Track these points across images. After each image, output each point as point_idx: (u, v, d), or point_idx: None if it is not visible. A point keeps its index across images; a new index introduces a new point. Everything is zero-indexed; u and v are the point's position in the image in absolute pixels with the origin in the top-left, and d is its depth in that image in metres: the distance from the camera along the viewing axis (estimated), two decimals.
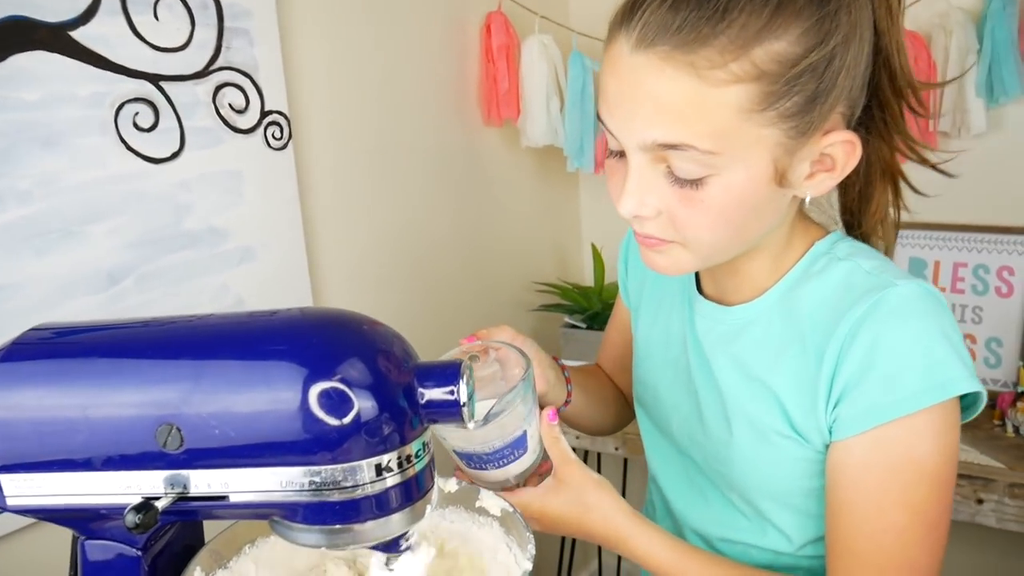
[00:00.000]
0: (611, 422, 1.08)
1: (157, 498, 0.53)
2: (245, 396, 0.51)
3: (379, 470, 0.53)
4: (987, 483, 1.38)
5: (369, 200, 1.55)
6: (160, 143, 1.16)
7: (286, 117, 1.32)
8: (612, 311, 1.09)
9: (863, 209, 0.79)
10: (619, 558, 2.41)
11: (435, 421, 0.56)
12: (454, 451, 0.77)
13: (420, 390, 0.54)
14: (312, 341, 0.53)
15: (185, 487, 0.54)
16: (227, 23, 1.22)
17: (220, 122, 1.23)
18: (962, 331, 0.73)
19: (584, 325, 1.89)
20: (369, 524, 0.54)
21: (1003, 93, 1.54)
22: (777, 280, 0.78)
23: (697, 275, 0.87)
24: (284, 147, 1.33)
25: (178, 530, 0.64)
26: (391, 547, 0.58)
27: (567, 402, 0.95)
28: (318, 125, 1.43)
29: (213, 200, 1.24)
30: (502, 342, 0.82)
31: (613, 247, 2.03)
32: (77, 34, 1.05)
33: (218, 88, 1.22)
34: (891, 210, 0.78)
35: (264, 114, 1.29)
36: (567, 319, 1.92)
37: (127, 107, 1.11)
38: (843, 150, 0.68)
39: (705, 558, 0.78)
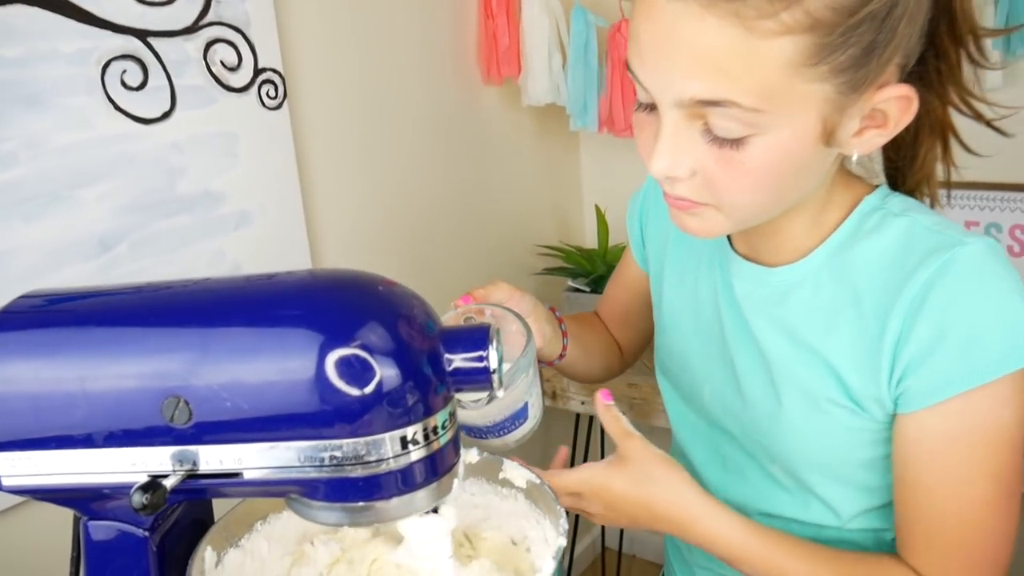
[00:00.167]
0: (603, 372, 1.04)
1: (165, 476, 0.50)
2: (258, 365, 0.47)
3: (404, 443, 0.49)
4: None
5: (366, 161, 1.50)
6: (150, 103, 1.11)
7: (280, 75, 1.27)
8: (617, 267, 1.04)
9: (909, 165, 0.73)
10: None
11: (460, 389, 0.52)
12: None
13: (447, 356, 0.50)
14: (329, 305, 0.49)
15: (195, 464, 0.50)
16: None
17: (212, 80, 1.18)
18: None
19: (588, 289, 1.85)
20: (394, 501, 0.50)
21: (1020, 45, 1.50)
22: (822, 239, 0.73)
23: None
24: (279, 107, 1.28)
25: (186, 506, 0.60)
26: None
27: (562, 356, 0.91)
28: (313, 84, 1.37)
29: (207, 162, 1.19)
30: (501, 306, 0.78)
31: (616, 209, 1.98)
32: None
33: (209, 44, 1.16)
34: (939, 167, 0.73)
35: (257, 72, 1.24)
36: (570, 282, 1.87)
37: (114, 64, 1.06)
38: (897, 106, 0.62)
39: (791, 543, 0.72)
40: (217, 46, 1.17)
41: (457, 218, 1.75)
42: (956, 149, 0.72)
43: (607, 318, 1.06)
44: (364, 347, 0.47)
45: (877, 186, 0.74)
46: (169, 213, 1.15)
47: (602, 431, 2.35)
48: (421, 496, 0.51)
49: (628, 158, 2.07)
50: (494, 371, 0.50)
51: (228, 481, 0.50)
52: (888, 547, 0.77)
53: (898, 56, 0.61)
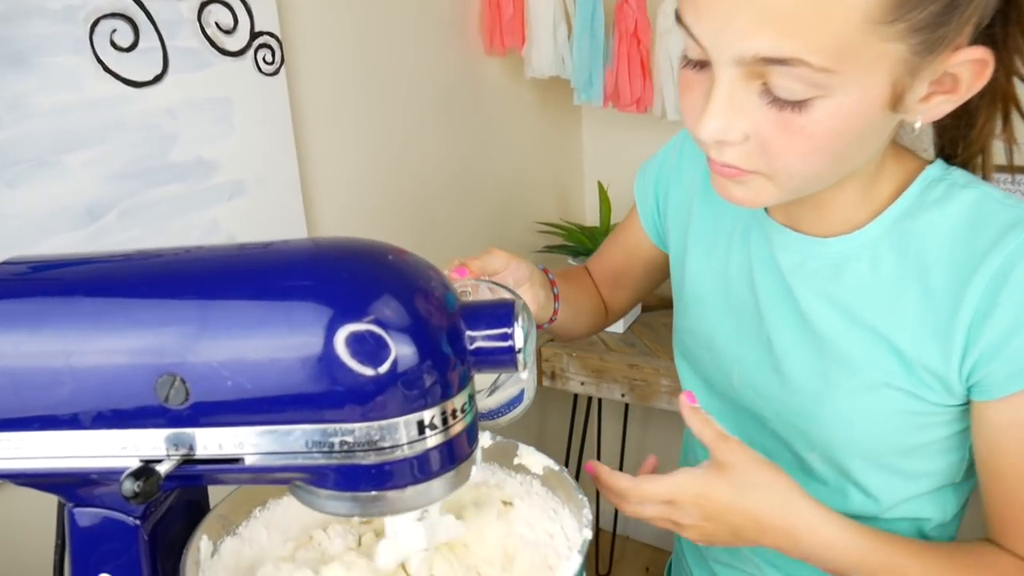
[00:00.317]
0: (587, 330, 0.99)
1: (158, 461, 0.45)
2: (261, 341, 0.43)
3: (421, 428, 0.45)
4: None
5: (364, 132, 1.45)
6: (141, 65, 1.06)
7: (278, 39, 1.22)
8: (618, 227, 1.00)
9: (963, 138, 0.68)
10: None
11: (481, 370, 0.48)
12: None
13: (469, 333, 0.46)
14: (340, 275, 0.44)
15: (191, 448, 0.45)
16: None
17: (206, 43, 1.12)
18: None
19: None
20: (409, 491, 0.46)
21: None
22: (874, 212, 0.68)
23: None
24: (276, 72, 1.23)
25: (180, 491, 0.56)
26: None
27: (552, 319, 0.86)
28: (311, 50, 1.32)
29: (201, 129, 1.14)
30: (497, 283, 0.73)
31: (619, 186, 1.94)
32: None
33: (203, 5, 1.11)
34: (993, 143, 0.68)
35: (254, 35, 1.18)
36: (571, 261, 1.84)
37: (103, 23, 1.00)
38: (971, 70, 0.57)
39: (904, 542, 0.67)
40: (212, 7, 1.12)
41: (455, 193, 1.70)
42: (1017, 124, 0.67)
43: (598, 276, 1.01)
44: (378, 322, 0.43)
45: (929, 161, 0.70)
46: (160, 181, 1.10)
47: (600, 413, 2.32)
48: (437, 485, 0.47)
49: (631, 134, 2.02)
50: (519, 350, 0.46)
51: (228, 467, 0.46)
52: (927, 539, 0.74)
53: (976, 16, 0.56)
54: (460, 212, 1.72)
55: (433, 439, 0.45)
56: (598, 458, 2.39)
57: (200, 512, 0.58)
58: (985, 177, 0.70)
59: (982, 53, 0.56)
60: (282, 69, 1.23)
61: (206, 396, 0.44)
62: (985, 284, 0.61)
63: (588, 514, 0.54)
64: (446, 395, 0.45)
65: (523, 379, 0.64)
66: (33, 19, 0.94)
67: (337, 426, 0.44)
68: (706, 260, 0.82)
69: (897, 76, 0.55)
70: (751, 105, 0.57)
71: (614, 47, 1.66)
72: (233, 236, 1.19)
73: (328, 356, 0.43)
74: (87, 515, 0.51)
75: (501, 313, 0.46)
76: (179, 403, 0.44)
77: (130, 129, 1.05)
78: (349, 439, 0.44)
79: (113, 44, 1.02)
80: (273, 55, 1.21)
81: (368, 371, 0.43)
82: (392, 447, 0.44)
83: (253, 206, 1.22)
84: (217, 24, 1.13)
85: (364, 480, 0.45)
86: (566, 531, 0.59)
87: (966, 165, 0.70)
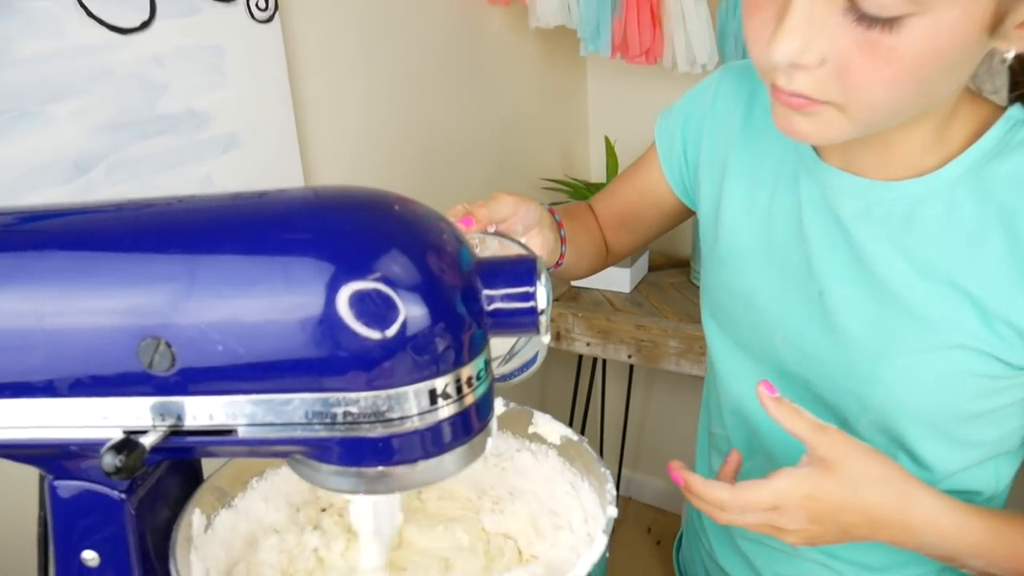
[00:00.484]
0: (587, 272, 0.94)
1: (143, 432, 0.41)
2: (256, 301, 0.39)
3: (433, 397, 0.40)
4: None
5: (362, 83, 1.39)
6: (127, 10, 1.00)
7: None
8: (632, 166, 0.93)
9: None
10: (619, 468, 2.36)
11: (499, 333, 0.43)
12: None
13: (486, 293, 0.41)
14: (342, 228, 0.40)
15: (179, 418, 0.41)
16: None
17: None
18: None
19: None
20: (419, 466, 0.42)
21: None
22: (946, 157, 0.63)
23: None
24: (270, 19, 1.17)
25: (170, 462, 0.52)
26: None
27: (558, 264, 0.81)
28: None
29: (191, 79, 1.08)
30: (505, 236, 0.68)
31: (626, 141, 1.88)
32: None
33: None
34: None
35: None
36: None
37: None
38: None
39: (1019, 521, 0.63)
40: None
41: (455, 148, 1.64)
42: None
43: (604, 216, 0.95)
44: (385, 280, 0.38)
45: (1003, 107, 0.64)
46: (150, 134, 1.05)
47: (604, 375, 2.28)
48: (450, 460, 0.43)
49: (639, 87, 1.95)
50: (542, 312, 0.41)
51: (220, 439, 0.42)
52: None
53: None
54: (461, 168, 1.67)
55: (446, 409, 0.41)
56: (601, 422, 2.35)
57: (192, 484, 0.54)
58: None
59: None
60: (276, 16, 1.17)
61: (194, 362, 0.40)
62: None
63: (612, 489, 0.50)
64: (460, 361, 0.41)
65: (544, 343, 0.59)
66: None
67: (340, 395, 0.40)
68: (746, 210, 0.77)
69: None
70: (833, 24, 0.52)
71: None
72: (227, 191, 1.14)
73: (330, 318, 0.38)
74: (68, 487, 0.47)
75: (521, 270, 0.42)
76: (164, 369, 0.40)
77: (116, 78, 1.00)
78: (353, 409, 0.40)
79: None
80: (266, 1, 1.15)
81: (374, 334, 0.38)
82: (401, 418, 0.40)
83: (248, 160, 1.17)
84: None
85: (370, 454, 0.41)
86: (585, 507, 0.55)
87: None
